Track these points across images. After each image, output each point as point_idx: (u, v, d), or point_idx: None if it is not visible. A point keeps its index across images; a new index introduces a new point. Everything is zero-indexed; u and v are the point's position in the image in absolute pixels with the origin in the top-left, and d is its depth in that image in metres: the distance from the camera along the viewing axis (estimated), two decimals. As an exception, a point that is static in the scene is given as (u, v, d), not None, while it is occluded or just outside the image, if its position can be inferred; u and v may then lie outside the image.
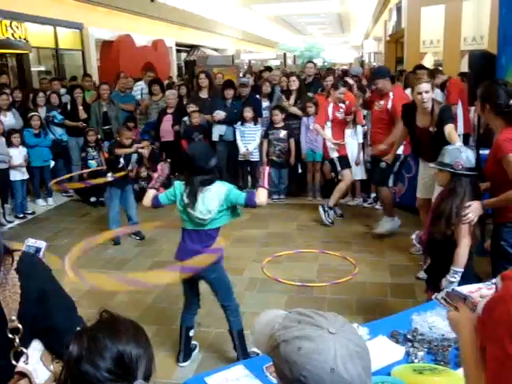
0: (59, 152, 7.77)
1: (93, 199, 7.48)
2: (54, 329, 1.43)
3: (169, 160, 4.29)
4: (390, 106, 5.59)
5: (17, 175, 6.80)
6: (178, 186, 3.32)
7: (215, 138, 7.49)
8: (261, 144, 7.37)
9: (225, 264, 4.76)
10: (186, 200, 3.22)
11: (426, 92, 4.47)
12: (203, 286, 3.51)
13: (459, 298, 1.39)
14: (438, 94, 6.75)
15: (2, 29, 9.61)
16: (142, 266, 5.23)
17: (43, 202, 7.55)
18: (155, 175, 3.55)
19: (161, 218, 5.72)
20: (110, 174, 5.70)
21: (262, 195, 3.29)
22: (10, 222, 6.70)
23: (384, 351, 2.09)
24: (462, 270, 2.86)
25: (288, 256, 5.35)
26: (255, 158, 7.37)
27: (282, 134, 7.18)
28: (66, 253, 5.55)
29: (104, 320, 1.27)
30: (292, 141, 7.18)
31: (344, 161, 6.42)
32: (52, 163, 7.56)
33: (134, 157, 6.10)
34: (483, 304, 1.15)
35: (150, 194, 3.41)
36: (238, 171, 7.79)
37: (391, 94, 5.65)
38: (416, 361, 2.06)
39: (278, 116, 7.13)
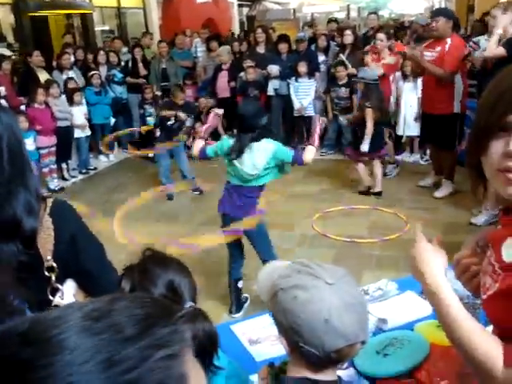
0: (119, 110, 7.98)
1: (151, 155, 7.67)
2: (84, 270, 1.50)
3: (221, 111, 4.33)
4: (446, 50, 5.07)
5: (80, 132, 7.07)
6: (226, 140, 3.35)
7: (270, 92, 7.43)
8: (319, 99, 7.25)
9: (276, 220, 4.84)
10: (233, 154, 3.25)
11: (494, 17, 4.49)
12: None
13: None
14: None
15: (67, -11, 9.81)
16: (194, 220, 5.35)
17: (105, 157, 7.85)
18: (205, 126, 3.61)
19: (216, 174, 5.81)
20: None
21: (309, 153, 3.29)
22: (73, 176, 7.03)
23: (411, 306, 2.06)
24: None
25: (339, 212, 5.31)
26: (310, 113, 7.26)
27: (344, 91, 6.99)
28: (122, 207, 5.81)
29: (150, 255, 1.39)
30: (355, 97, 6.96)
31: None
32: (113, 120, 7.79)
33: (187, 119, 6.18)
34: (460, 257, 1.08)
35: (199, 144, 3.47)
36: (294, 126, 7.72)
37: (449, 40, 5.09)
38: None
39: (341, 73, 6.89)
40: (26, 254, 1.35)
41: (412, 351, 1.82)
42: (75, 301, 1.45)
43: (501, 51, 4.48)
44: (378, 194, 5.66)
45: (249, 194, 3.33)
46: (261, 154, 3.21)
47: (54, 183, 6.51)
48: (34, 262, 1.39)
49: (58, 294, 1.46)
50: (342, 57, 7.06)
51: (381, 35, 6.17)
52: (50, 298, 1.45)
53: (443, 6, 21.25)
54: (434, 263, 1.12)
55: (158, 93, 7.88)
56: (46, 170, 6.39)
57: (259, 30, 8.04)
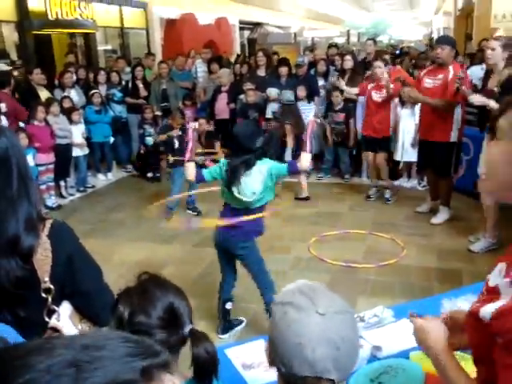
0: (118, 129, 8.03)
1: (150, 175, 7.70)
2: (80, 291, 1.52)
3: (196, 124, 4.42)
4: (449, 78, 5.05)
5: (79, 151, 7.09)
6: (224, 164, 3.29)
7: (268, 115, 7.49)
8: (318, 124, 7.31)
9: (272, 242, 4.84)
10: (230, 183, 3.20)
11: (492, 49, 4.44)
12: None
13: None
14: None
15: (71, 9, 9.93)
16: (189, 241, 5.34)
17: (103, 176, 7.87)
18: (189, 145, 3.49)
19: (213, 195, 5.83)
20: (170, 157, 5.92)
21: (304, 160, 3.24)
22: (71, 194, 7.03)
23: (407, 334, 2.05)
24: None
25: (336, 236, 5.31)
26: (312, 140, 7.29)
27: (341, 116, 7.05)
28: (119, 227, 5.80)
29: (148, 278, 1.40)
30: (351, 122, 7.02)
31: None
32: (112, 139, 7.83)
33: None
34: (491, 311, 1.06)
35: (190, 167, 3.37)
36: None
37: (451, 68, 5.10)
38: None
39: (339, 98, 6.97)
40: (23, 269, 1.37)
41: (407, 380, 1.81)
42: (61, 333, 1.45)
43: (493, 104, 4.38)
44: (305, 199, 6.33)
45: (250, 213, 3.28)
46: (257, 179, 3.17)
47: (52, 200, 6.51)
48: (31, 282, 1.40)
49: (54, 316, 1.47)
50: (336, 81, 7.11)
51: (378, 63, 6.24)
52: (46, 319, 1.46)
53: (442, 33, 21.57)
54: (432, 338, 1.30)
55: (158, 113, 7.94)
56: (43, 187, 6.39)
57: (260, 54, 8.13)
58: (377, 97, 6.07)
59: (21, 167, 1.39)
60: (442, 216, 5.53)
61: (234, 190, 3.20)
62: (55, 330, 1.47)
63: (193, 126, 3.75)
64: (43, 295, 1.43)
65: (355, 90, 6.76)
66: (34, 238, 1.39)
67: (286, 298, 1.16)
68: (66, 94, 7.41)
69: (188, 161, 3.41)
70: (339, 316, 1.11)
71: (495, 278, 1.14)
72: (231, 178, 3.18)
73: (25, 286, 1.37)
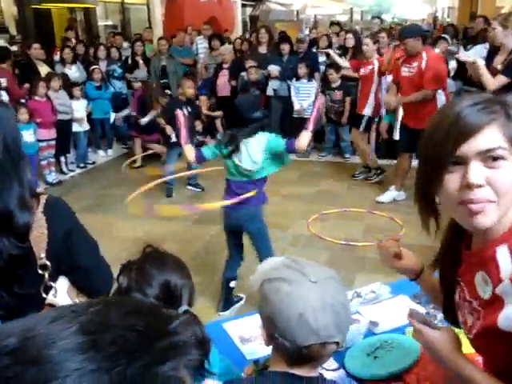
0: (119, 105, 7.98)
1: (151, 152, 7.67)
2: (78, 266, 1.52)
3: (185, 111, 4.38)
4: (423, 66, 5.06)
5: (79, 126, 7.07)
6: (222, 137, 3.35)
7: (270, 92, 7.45)
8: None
9: (271, 219, 4.83)
10: (230, 151, 3.22)
11: (493, 29, 4.58)
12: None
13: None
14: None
15: (71, -17, 9.85)
16: (190, 218, 5.36)
17: (103, 152, 7.86)
18: (182, 131, 3.44)
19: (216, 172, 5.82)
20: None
21: (303, 139, 3.21)
22: (71, 170, 7.03)
23: (403, 310, 2.07)
24: None
25: (335, 214, 5.32)
26: (310, 114, 7.26)
27: (338, 94, 7.00)
28: (119, 202, 5.82)
29: (149, 253, 1.40)
30: (348, 99, 6.97)
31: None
32: (113, 116, 7.79)
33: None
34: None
35: (189, 149, 3.37)
36: (293, 127, 7.73)
37: (424, 54, 5.11)
38: (435, 322, 2.03)
39: (333, 75, 6.91)
40: (18, 247, 1.36)
41: (402, 355, 1.84)
42: (67, 304, 1.46)
43: (502, 80, 4.39)
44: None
45: (252, 186, 3.29)
46: (257, 148, 3.19)
47: (52, 176, 6.52)
48: (27, 259, 1.40)
49: (52, 292, 1.47)
50: (331, 51, 7.02)
51: (366, 40, 6.19)
52: (44, 295, 1.45)
53: (446, 12, 21.32)
54: (443, 346, 1.16)
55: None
56: (44, 162, 6.39)
57: (262, 30, 8.04)
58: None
59: (8, 143, 1.36)
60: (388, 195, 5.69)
61: (235, 158, 3.22)
62: (52, 306, 1.47)
63: (182, 112, 3.70)
64: (40, 272, 1.43)
65: (355, 74, 6.65)
66: (28, 214, 1.38)
67: (272, 275, 1.16)
68: (67, 69, 7.36)
69: (185, 144, 3.39)
70: (330, 281, 1.14)
71: (482, 289, 1.07)
72: (231, 144, 3.20)
73: (21, 263, 1.36)
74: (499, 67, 4.54)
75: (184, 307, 1.28)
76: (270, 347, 1.22)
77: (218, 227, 4.88)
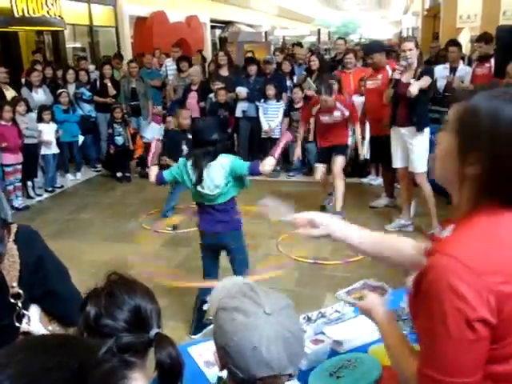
0: (88, 128, 7.95)
1: (119, 174, 7.65)
2: (50, 292, 1.53)
3: (160, 138, 4.46)
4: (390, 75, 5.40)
5: (47, 150, 7.00)
6: (182, 162, 3.37)
7: (238, 114, 7.53)
8: (282, 123, 7.37)
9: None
10: (192, 176, 3.27)
11: (410, 50, 4.85)
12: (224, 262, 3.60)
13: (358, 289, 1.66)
14: (463, 70, 6.61)
15: (38, 6, 9.75)
16: (158, 241, 5.35)
17: (72, 176, 7.79)
18: (150, 153, 3.59)
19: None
20: None
21: (267, 163, 3.33)
22: (38, 195, 6.94)
23: (366, 329, 2.11)
24: None
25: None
26: (277, 135, 7.35)
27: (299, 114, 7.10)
28: (88, 227, 5.77)
29: (116, 280, 1.38)
30: (312, 121, 7.06)
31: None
32: (81, 139, 7.75)
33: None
34: (411, 279, 1.18)
35: (153, 170, 3.47)
36: (261, 148, 7.80)
37: (388, 67, 5.59)
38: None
39: (298, 94, 7.05)
40: None
41: (364, 373, 1.87)
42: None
43: (427, 81, 4.81)
44: None
45: (221, 208, 3.36)
46: (219, 172, 3.23)
47: (19, 201, 6.42)
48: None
49: (25, 321, 1.47)
50: (309, 80, 7.18)
51: (349, 55, 6.56)
52: (17, 324, 1.45)
53: (410, 33, 21.90)
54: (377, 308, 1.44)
55: (126, 111, 7.90)
56: (10, 187, 6.30)
57: (221, 53, 8.26)
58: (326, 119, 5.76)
59: None
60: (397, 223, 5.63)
61: (198, 186, 3.27)
62: (27, 334, 1.47)
63: (158, 138, 3.84)
64: (12, 300, 1.43)
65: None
66: (1, 246, 1.39)
67: (228, 304, 1.17)
68: (34, 93, 7.31)
69: (151, 165, 3.52)
70: (284, 311, 1.15)
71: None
72: (194, 172, 3.25)
73: None
74: (412, 81, 4.83)
75: (155, 330, 1.28)
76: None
77: (187, 249, 4.88)
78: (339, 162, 5.61)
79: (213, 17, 18.76)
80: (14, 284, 1.43)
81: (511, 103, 1.09)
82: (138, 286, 1.39)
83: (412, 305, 1.21)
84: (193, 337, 3.55)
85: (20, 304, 1.44)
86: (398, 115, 5.05)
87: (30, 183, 6.85)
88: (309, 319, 2.37)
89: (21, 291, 1.44)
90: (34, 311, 1.51)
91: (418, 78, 4.85)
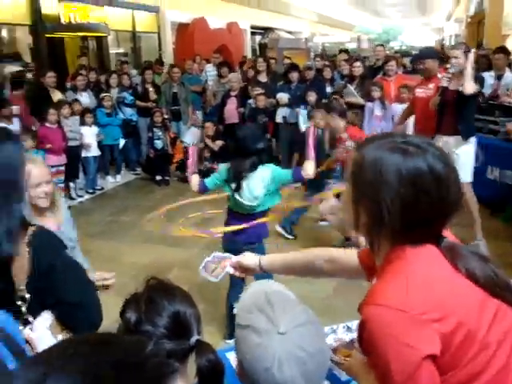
0: (129, 132, 8.09)
1: (158, 178, 7.75)
2: (62, 303, 1.50)
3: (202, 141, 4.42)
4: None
5: (88, 152, 7.16)
6: (224, 169, 3.33)
7: (279, 120, 7.53)
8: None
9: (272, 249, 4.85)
10: (232, 185, 3.25)
11: (457, 57, 4.66)
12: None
13: (346, 345, 1.62)
14: (509, 77, 6.43)
15: (83, 13, 10.07)
16: (197, 245, 5.37)
17: (112, 178, 7.93)
18: (189, 161, 3.59)
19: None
20: None
21: (308, 167, 3.27)
22: (80, 196, 7.09)
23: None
24: None
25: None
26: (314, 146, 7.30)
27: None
28: (128, 229, 5.86)
29: (156, 285, 1.37)
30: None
31: None
32: (122, 142, 7.89)
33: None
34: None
35: (194, 179, 3.44)
36: (301, 154, 7.78)
37: (440, 76, 5.23)
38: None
39: (338, 101, 6.98)
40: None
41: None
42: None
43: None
44: None
45: (253, 218, 3.32)
46: (258, 183, 3.19)
47: (61, 202, 6.57)
48: (6, 289, 1.39)
49: (28, 327, 1.45)
50: (350, 87, 7.13)
51: (391, 62, 6.42)
52: (20, 328, 1.43)
53: (453, 40, 21.52)
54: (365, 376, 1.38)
55: (166, 116, 8.02)
56: (53, 188, 6.45)
57: (260, 60, 8.28)
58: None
59: (1, 177, 1.39)
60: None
61: (236, 194, 3.24)
62: (26, 341, 1.45)
63: (195, 146, 3.83)
64: (18, 303, 1.43)
65: (361, 101, 6.73)
66: (12, 246, 1.38)
67: (243, 320, 1.14)
68: (79, 96, 7.50)
69: (191, 174, 3.49)
70: (301, 329, 1.09)
71: None
72: (234, 180, 3.22)
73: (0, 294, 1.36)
74: (460, 89, 4.65)
75: (196, 337, 1.27)
76: None
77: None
78: None
79: (253, 23, 18.89)
80: (22, 287, 1.42)
81: (393, 152, 1.13)
82: (177, 291, 1.37)
83: (361, 346, 1.21)
84: (228, 341, 3.54)
85: (24, 308, 1.44)
86: (443, 123, 4.88)
87: (72, 184, 7.01)
88: (349, 329, 2.32)
89: (27, 295, 1.43)
90: (46, 318, 1.49)
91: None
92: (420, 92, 5.44)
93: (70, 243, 2.35)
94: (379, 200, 1.12)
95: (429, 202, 1.11)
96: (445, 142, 4.90)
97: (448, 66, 4.91)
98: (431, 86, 5.31)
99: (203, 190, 3.42)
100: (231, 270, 1.97)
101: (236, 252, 3.37)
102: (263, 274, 3.33)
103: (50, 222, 2.30)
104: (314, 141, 3.54)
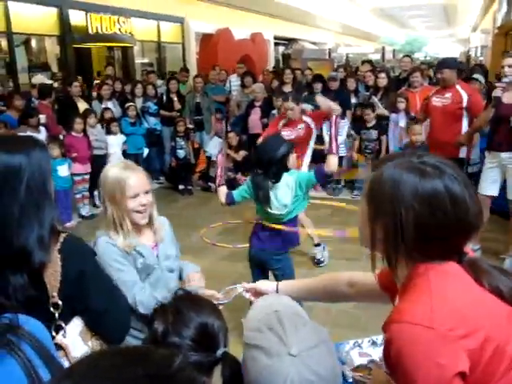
0: (153, 141, 8.16)
1: (181, 187, 7.79)
2: (90, 310, 1.52)
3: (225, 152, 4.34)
4: (465, 100, 5.24)
5: (114, 161, 7.21)
6: (250, 180, 3.32)
7: (301, 130, 7.50)
8: (351, 142, 7.33)
9: (301, 259, 4.80)
10: (261, 202, 3.23)
11: (509, 66, 4.59)
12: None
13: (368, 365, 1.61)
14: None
15: (110, 24, 10.23)
16: (217, 255, 5.38)
17: (136, 187, 7.98)
18: (218, 172, 3.53)
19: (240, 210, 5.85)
20: None
21: (331, 162, 3.21)
22: (104, 204, 7.15)
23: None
24: None
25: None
26: (342, 152, 7.28)
27: (374, 134, 7.02)
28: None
29: (183, 296, 1.39)
30: (384, 138, 6.97)
31: None
32: (146, 151, 7.96)
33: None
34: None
35: (222, 191, 3.38)
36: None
37: (458, 86, 5.34)
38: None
39: (370, 115, 6.94)
40: (32, 287, 1.37)
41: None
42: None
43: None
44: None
45: (286, 225, 3.31)
46: (285, 192, 3.18)
47: (86, 209, 6.65)
48: (40, 297, 1.41)
49: (61, 333, 1.48)
50: (375, 99, 7.10)
51: (416, 73, 6.41)
52: (54, 334, 1.46)
53: (479, 51, 21.28)
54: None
55: (190, 126, 8.07)
56: (78, 196, 6.54)
57: (287, 71, 8.29)
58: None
59: (33, 184, 1.40)
60: None
61: (266, 207, 3.23)
62: (60, 346, 1.48)
63: (223, 153, 3.77)
64: (51, 310, 1.45)
65: (386, 112, 6.80)
66: (44, 254, 1.40)
67: (251, 339, 1.09)
68: (104, 105, 7.60)
69: (219, 185, 3.43)
70: (313, 351, 1.04)
71: None
72: (259, 194, 3.20)
73: (34, 302, 1.37)
74: None
75: (222, 349, 1.26)
76: None
77: (245, 264, 4.88)
78: None
79: (277, 34, 18.97)
80: (54, 294, 1.44)
81: (410, 172, 1.15)
82: (204, 302, 1.37)
83: (386, 365, 1.18)
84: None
85: (57, 315, 1.45)
86: (497, 139, 4.71)
87: (96, 193, 7.08)
88: (374, 343, 2.28)
89: (59, 302, 1.44)
90: (77, 324, 1.52)
91: None
92: (436, 101, 5.47)
93: (166, 262, 2.25)
94: (395, 215, 1.15)
95: (445, 222, 1.12)
96: (502, 158, 4.74)
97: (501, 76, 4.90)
98: (448, 95, 5.36)
99: (231, 202, 3.37)
100: (247, 295, 1.99)
101: (264, 262, 3.38)
102: None
103: (145, 239, 2.22)
104: (336, 133, 3.49)
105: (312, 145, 5.29)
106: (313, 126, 5.15)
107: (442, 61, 6.09)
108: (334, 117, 3.63)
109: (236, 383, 1.21)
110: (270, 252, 3.35)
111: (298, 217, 4.68)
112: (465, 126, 5.36)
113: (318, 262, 5.04)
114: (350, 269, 4.71)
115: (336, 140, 3.37)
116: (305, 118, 5.19)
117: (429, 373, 1.06)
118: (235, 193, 3.38)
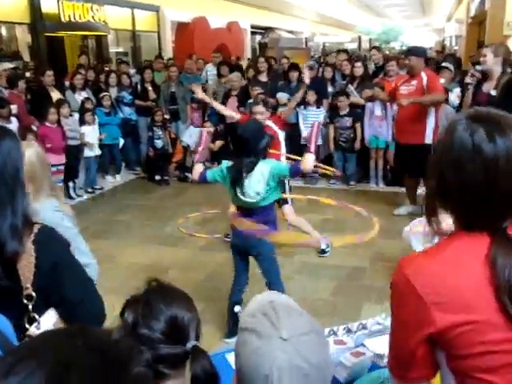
0: (129, 131, 8.07)
1: (158, 177, 7.73)
2: (65, 301, 1.51)
3: (210, 128, 4.23)
4: (425, 82, 5.39)
5: (90, 152, 7.13)
6: (225, 165, 3.31)
7: (278, 119, 7.49)
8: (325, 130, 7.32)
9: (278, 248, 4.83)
10: (235, 187, 3.24)
11: (485, 56, 4.94)
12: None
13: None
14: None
15: (84, 12, 10.05)
16: (196, 245, 5.37)
17: (111, 178, 7.90)
18: (199, 148, 3.56)
19: (219, 197, 5.83)
20: None
21: (307, 161, 3.21)
22: (79, 195, 7.06)
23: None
24: None
25: (345, 242, 5.27)
26: (317, 142, 7.29)
27: (348, 121, 7.06)
28: (127, 228, 5.85)
29: (155, 288, 1.36)
30: (358, 126, 7.02)
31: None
32: (121, 141, 7.87)
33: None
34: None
35: (197, 168, 3.43)
36: (301, 154, 7.76)
37: (423, 73, 5.47)
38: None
39: (344, 102, 6.98)
40: (6, 278, 1.35)
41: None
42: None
43: None
44: None
45: (260, 212, 3.33)
46: (259, 179, 3.19)
47: (60, 201, 6.54)
48: (13, 288, 1.39)
49: (34, 324, 1.46)
50: (351, 87, 7.13)
51: (391, 63, 6.53)
52: (27, 326, 1.44)
53: (454, 40, 21.50)
54: None
55: (167, 116, 7.99)
56: (53, 187, 6.43)
57: (261, 59, 8.25)
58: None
59: (6, 172, 1.39)
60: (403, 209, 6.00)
61: (238, 191, 3.24)
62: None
63: (206, 129, 3.76)
64: (25, 301, 1.43)
65: (362, 101, 6.85)
66: (18, 243, 1.38)
67: (246, 323, 1.08)
68: (80, 95, 7.47)
69: (197, 162, 3.47)
70: (304, 338, 1.03)
71: None
72: (234, 180, 3.22)
73: (6, 293, 1.36)
74: (492, 93, 4.84)
75: (192, 342, 1.25)
76: None
77: (223, 255, 4.87)
78: None
79: (253, 23, 18.86)
80: (28, 285, 1.42)
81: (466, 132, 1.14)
82: (176, 294, 1.36)
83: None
84: (227, 341, 3.51)
85: (30, 306, 1.43)
86: None
87: (71, 184, 6.98)
88: (349, 330, 2.31)
89: (33, 293, 1.43)
90: (51, 315, 1.50)
91: (500, 88, 4.69)
92: (403, 89, 5.62)
93: None
94: (441, 165, 1.19)
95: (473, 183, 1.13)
96: None
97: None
98: (413, 82, 5.53)
99: (203, 180, 3.41)
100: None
101: (246, 247, 3.40)
102: (274, 281, 3.35)
103: None
104: (317, 136, 3.53)
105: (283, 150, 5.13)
106: (276, 129, 4.94)
107: (409, 48, 6.31)
108: (316, 122, 3.66)
109: (205, 379, 1.20)
110: (249, 238, 3.36)
111: (289, 220, 4.71)
112: (430, 112, 5.49)
113: (322, 252, 5.05)
114: (346, 257, 4.73)
115: (316, 141, 3.40)
116: (270, 123, 4.86)
117: (400, 325, 1.21)
118: (209, 172, 3.41)
